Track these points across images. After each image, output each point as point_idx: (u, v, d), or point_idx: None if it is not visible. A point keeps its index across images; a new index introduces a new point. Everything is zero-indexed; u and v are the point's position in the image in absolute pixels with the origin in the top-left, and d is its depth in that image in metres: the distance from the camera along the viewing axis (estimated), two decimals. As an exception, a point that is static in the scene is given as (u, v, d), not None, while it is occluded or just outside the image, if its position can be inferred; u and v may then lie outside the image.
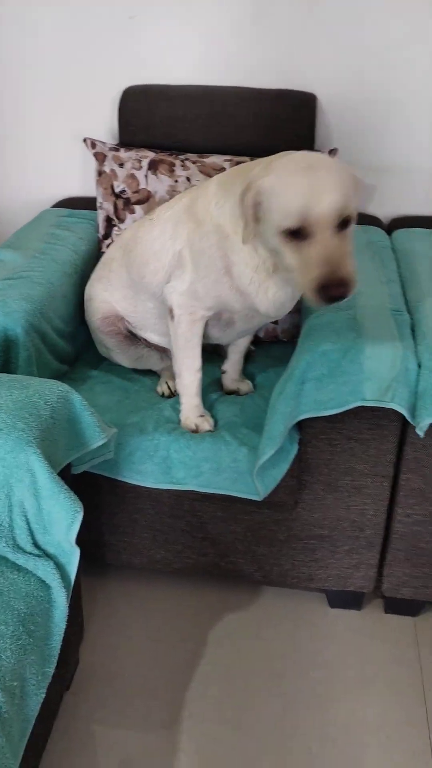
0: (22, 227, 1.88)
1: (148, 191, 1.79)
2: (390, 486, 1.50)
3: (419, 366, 1.33)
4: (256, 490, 1.46)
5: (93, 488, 1.53)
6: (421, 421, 1.33)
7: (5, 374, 1.22)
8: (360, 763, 1.38)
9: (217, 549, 1.63)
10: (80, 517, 1.12)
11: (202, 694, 1.50)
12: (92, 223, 1.90)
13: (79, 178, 2.08)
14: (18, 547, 1.13)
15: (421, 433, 1.34)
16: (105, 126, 2.00)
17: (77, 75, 1.96)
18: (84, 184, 2.08)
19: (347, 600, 1.70)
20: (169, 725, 1.43)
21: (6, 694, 0.97)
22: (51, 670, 1.09)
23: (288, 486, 1.50)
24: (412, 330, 1.42)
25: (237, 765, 1.37)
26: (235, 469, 1.46)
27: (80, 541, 1.15)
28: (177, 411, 1.55)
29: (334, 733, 1.43)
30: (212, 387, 1.68)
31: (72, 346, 1.73)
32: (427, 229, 1.88)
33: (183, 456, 1.47)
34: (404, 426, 1.43)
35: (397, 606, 1.69)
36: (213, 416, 1.55)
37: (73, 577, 1.15)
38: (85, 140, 1.84)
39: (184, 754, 1.38)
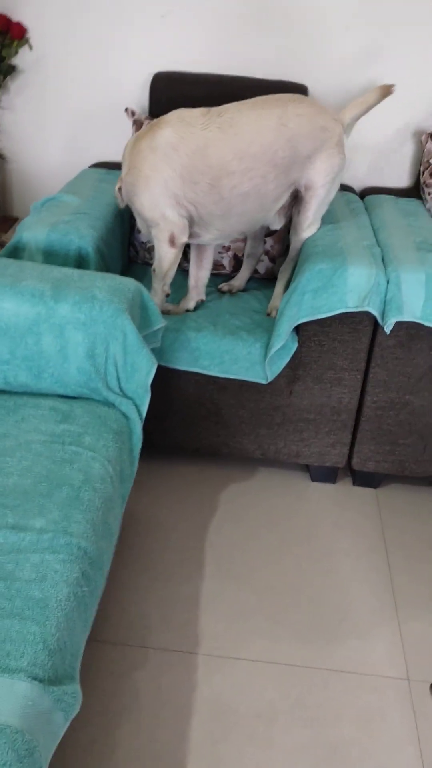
0: (71, 180, 2.33)
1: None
2: (362, 378, 2.01)
3: (387, 282, 1.85)
4: (265, 375, 1.95)
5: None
6: (387, 320, 1.84)
7: (95, 271, 1.68)
8: (336, 571, 1.89)
9: (227, 431, 2.11)
10: (155, 368, 1.60)
11: (218, 530, 1.99)
12: (128, 179, 2.36)
13: (108, 145, 2.54)
14: (109, 388, 1.60)
15: (387, 330, 1.85)
16: (136, 103, 2.46)
17: (117, 60, 2.41)
18: (113, 150, 2.54)
19: (325, 474, 2.21)
20: (194, 549, 1.92)
21: (115, 471, 1.44)
22: (134, 468, 1.57)
23: (286, 376, 2.00)
24: (383, 259, 1.93)
25: (245, 572, 1.86)
26: (249, 360, 1.95)
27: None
28: (198, 318, 2.03)
29: (317, 555, 1.94)
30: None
31: (115, 272, 2.18)
32: (391, 195, 2.40)
33: (209, 348, 1.95)
34: (374, 330, 1.94)
35: (363, 479, 2.20)
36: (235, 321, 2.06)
37: (144, 413, 1.63)
38: (126, 109, 2.30)
39: (208, 567, 1.87)
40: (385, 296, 1.85)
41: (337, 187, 2.05)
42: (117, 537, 1.43)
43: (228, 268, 2.34)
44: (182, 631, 1.68)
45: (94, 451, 1.44)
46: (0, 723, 0.91)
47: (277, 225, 2.09)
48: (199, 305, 2.15)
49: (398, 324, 1.89)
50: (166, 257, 1.94)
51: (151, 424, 2.10)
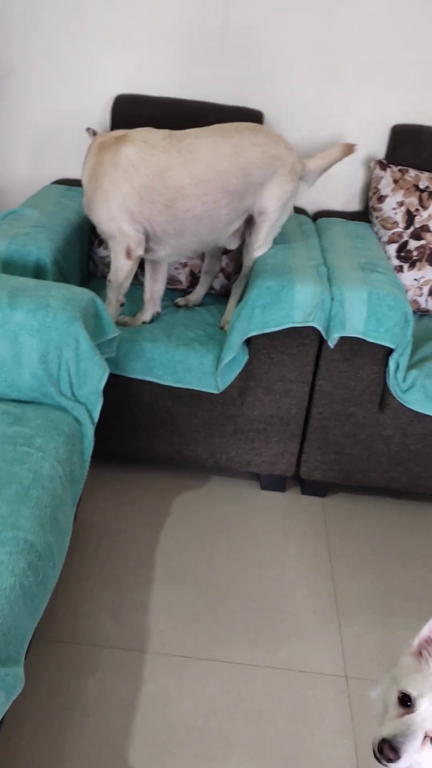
0: (33, 195, 2.40)
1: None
2: (309, 390, 2.10)
3: (332, 299, 1.95)
4: (216, 385, 2.03)
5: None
6: (331, 335, 1.94)
7: (51, 281, 1.75)
8: (281, 576, 1.96)
9: (181, 439, 2.18)
10: (107, 374, 1.66)
11: (169, 536, 2.05)
12: (89, 196, 2.43)
13: (71, 163, 2.61)
14: (62, 394, 1.65)
15: (331, 344, 1.95)
16: (98, 123, 2.55)
17: (81, 82, 2.50)
18: (76, 168, 2.61)
19: (275, 483, 2.28)
20: (146, 554, 1.97)
21: (65, 472, 1.50)
22: (85, 470, 1.63)
23: (238, 386, 2.08)
24: (329, 278, 2.03)
25: (195, 576, 1.92)
26: (201, 370, 2.03)
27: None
28: (153, 329, 2.11)
29: (264, 560, 2.00)
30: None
31: (74, 284, 2.25)
32: (341, 219, 2.52)
33: (163, 359, 2.03)
34: (320, 345, 2.04)
35: (310, 488, 2.29)
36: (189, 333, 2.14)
37: (96, 417, 1.69)
38: (87, 129, 2.36)
39: (158, 571, 1.92)
40: (330, 313, 1.95)
41: (289, 211, 2.16)
42: (69, 535, 1.48)
43: (185, 284, 2.43)
44: (130, 631, 1.73)
45: (44, 452, 1.50)
46: None
47: (233, 245, 2.19)
48: (155, 317, 2.22)
49: (342, 339, 1.99)
50: (121, 269, 2.02)
51: (106, 432, 2.15)
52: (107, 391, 2.02)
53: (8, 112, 2.55)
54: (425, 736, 0.92)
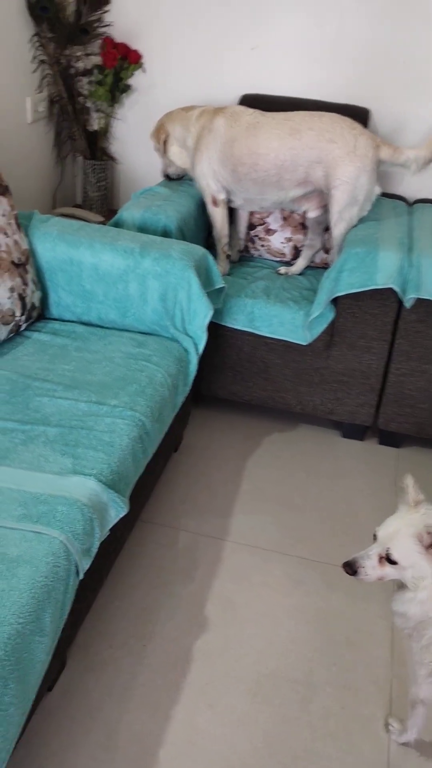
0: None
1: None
2: (388, 348, 2.40)
3: (410, 265, 2.24)
4: (305, 337, 2.38)
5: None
6: (407, 296, 2.23)
7: (173, 239, 2.18)
8: (350, 503, 2.27)
9: (274, 386, 2.55)
10: (211, 313, 2.06)
11: (256, 462, 2.42)
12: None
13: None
14: (175, 327, 2.07)
15: (407, 305, 2.24)
16: (225, 118, 2.97)
17: (212, 83, 2.94)
18: (203, 158, 3.04)
19: (354, 431, 2.59)
20: (235, 473, 2.36)
21: (172, 383, 1.91)
22: (188, 388, 2.04)
23: (325, 341, 2.41)
24: (409, 248, 2.33)
25: (272, 491, 2.28)
26: (293, 324, 2.39)
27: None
28: (255, 289, 2.49)
29: (338, 491, 2.33)
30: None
31: (194, 251, 2.68)
32: (436, 204, 2.79)
33: (261, 313, 2.40)
34: (399, 307, 2.34)
35: (387, 438, 2.58)
36: (285, 294, 2.51)
37: (201, 349, 2.09)
38: (215, 124, 2.80)
39: (244, 485, 2.30)
40: (407, 277, 2.24)
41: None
42: (167, 427, 1.89)
43: (288, 257, 2.79)
44: (215, 523, 2.12)
45: (158, 366, 1.92)
46: (76, 499, 1.39)
47: (311, 213, 2.53)
48: (238, 256, 2.74)
49: (419, 302, 2.27)
50: (215, 216, 2.56)
51: (213, 376, 2.56)
52: (216, 342, 2.44)
53: (149, 109, 3.03)
54: (380, 557, 1.28)
